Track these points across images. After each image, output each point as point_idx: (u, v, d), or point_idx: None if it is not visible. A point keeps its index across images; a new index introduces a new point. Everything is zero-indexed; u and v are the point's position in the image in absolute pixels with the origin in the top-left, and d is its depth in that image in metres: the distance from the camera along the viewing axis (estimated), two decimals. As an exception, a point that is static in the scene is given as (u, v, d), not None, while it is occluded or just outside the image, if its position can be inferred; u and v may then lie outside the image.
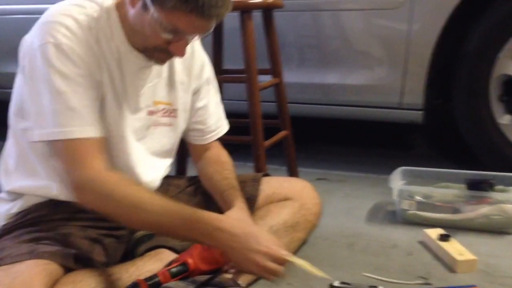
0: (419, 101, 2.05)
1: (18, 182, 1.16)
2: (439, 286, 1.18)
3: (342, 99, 2.20)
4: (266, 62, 1.89)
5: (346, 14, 2.10)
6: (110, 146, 1.13)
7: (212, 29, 1.05)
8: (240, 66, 1.75)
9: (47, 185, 1.14)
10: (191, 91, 1.30)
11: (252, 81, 1.70)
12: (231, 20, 1.84)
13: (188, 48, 1.24)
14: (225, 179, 1.29)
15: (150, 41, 1.05)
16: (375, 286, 1.22)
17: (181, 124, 1.30)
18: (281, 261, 1.03)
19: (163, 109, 1.24)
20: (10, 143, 1.18)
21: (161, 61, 1.13)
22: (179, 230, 1.02)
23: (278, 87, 1.91)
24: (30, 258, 0.97)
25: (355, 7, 2.07)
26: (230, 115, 2.09)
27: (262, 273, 1.03)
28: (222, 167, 1.33)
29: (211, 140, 1.37)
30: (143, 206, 1.00)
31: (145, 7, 1.00)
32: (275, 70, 1.90)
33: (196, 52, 1.30)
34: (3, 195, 1.20)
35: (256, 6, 1.73)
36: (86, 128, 1.02)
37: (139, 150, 1.21)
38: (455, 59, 2.05)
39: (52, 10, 1.06)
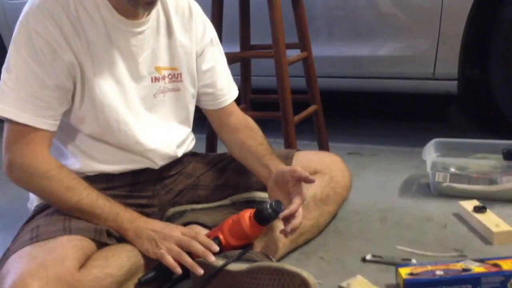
0: (453, 71, 1.99)
1: None
2: (475, 258, 1.16)
3: (374, 71, 2.15)
4: (294, 36, 1.86)
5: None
6: (113, 121, 1.13)
7: None
8: (268, 41, 1.73)
9: (72, 161, 1.17)
10: (194, 53, 1.27)
11: (280, 56, 1.68)
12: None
13: (186, 10, 1.24)
14: (260, 144, 1.28)
15: None
16: (408, 259, 1.20)
17: (189, 87, 1.27)
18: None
19: (168, 74, 1.22)
20: None
21: (148, 4, 1.08)
22: (99, 220, 1.06)
23: (306, 61, 1.88)
24: (63, 234, 1.00)
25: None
26: (259, 91, 2.10)
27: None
28: (254, 132, 1.31)
29: (226, 104, 1.33)
30: (76, 191, 1.05)
31: None
32: (303, 44, 1.87)
33: (195, 14, 1.27)
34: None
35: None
36: (38, 119, 1.04)
37: (150, 119, 1.20)
38: (491, 26, 1.97)
39: None
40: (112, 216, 1.07)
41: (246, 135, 1.30)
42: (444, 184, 1.60)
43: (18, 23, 1.06)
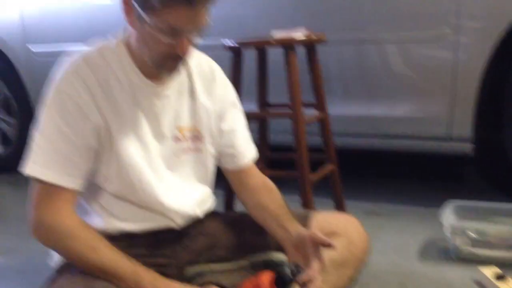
0: (468, 133, 2.00)
1: None
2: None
3: (389, 131, 2.17)
4: (309, 95, 1.89)
5: (390, 47, 2.09)
6: (136, 180, 1.14)
7: (206, 23, 1.06)
8: (284, 99, 1.76)
9: (96, 220, 1.17)
10: (215, 114, 1.29)
11: (298, 116, 1.71)
12: (274, 54, 1.88)
13: (208, 73, 1.28)
14: (278, 205, 1.27)
15: (155, 51, 1.07)
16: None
17: (210, 148, 1.29)
18: None
19: (190, 135, 1.24)
20: None
21: (173, 69, 1.12)
22: (121, 281, 1.05)
23: (323, 121, 1.90)
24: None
25: (399, 40, 2.06)
26: (275, 148, 2.12)
27: None
28: (272, 193, 1.31)
29: (244, 164, 1.34)
30: (96, 250, 1.05)
31: (140, 19, 1.04)
32: (319, 104, 1.90)
33: (217, 76, 1.30)
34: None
35: (300, 42, 1.75)
36: (64, 178, 1.06)
37: (172, 179, 1.21)
38: (504, 88, 2.00)
39: (75, 53, 1.12)
40: (134, 277, 1.06)
41: (264, 196, 1.31)
42: (464, 249, 1.58)
43: (50, 85, 1.10)
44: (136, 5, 1.04)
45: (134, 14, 1.06)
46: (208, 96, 1.27)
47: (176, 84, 1.21)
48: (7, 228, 2.21)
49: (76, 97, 1.07)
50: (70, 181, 1.07)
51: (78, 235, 1.05)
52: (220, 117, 1.31)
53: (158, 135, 1.19)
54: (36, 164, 1.06)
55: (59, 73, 1.10)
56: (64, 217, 1.06)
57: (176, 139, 1.22)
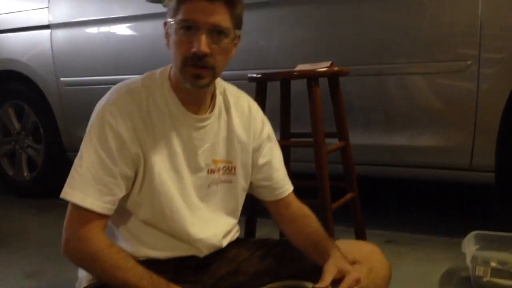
0: (490, 162, 2.00)
1: None
2: None
3: (410, 160, 2.18)
4: (331, 124, 1.92)
5: (412, 78, 2.12)
6: (167, 209, 1.18)
7: (227, 24, 1.10)
8: (306, 128, 1.79)
9: (124, 245, 1.21)
10: (251, 149, 1.33)
11: (320, 146, 1.74)
12: (297, 84, 1.92)
13: (246, 109, 1.32)
14: (316, 231, 1.30)
15: (178, 55, 1.12)
16: None
17: (241, 181, 1.32)
18: None
19: (223, 167, 1.28)
20: None
21: (194, 78, 1.12)
22: None
23: (344, 150, 1.93)
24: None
25: (421, 71, 2.09)
26: (296, 176, 2.14)
27: None
28: (309, 220, 1.34)
29: (282, 196, 1.37)
30: (123, 270, 1.08)
31: (169, 28, 1.12)
32: (341, 134, 1.93)
33: (254, 112, 1.35)
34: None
35: (323, 74, 1.80)
36: (98, 203, 1.11)
37: (201, 209, 1.25)
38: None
39: (118, 84, 1.18)
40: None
41: (302, 223, 1.33)
42: (485, 279, 1.57)
43: (94, 114, 1.15)
44: (168, 18, 1.11)
45: (169, 34, 1.13)
46: (245, 131, 1.31)
47: (214, 118, 1.25)
48: (31, 252, 2.26)
49: (117, 127, 1.12)
50: (104, 208, 1.12)
51: (104, 255, 1.09)
52: (257, 152, 1.34)
53: (193, 166, 1.23)
54: (74, 189, 1.11)
55: (103, 103, 1.16)
56: (93, 238, 1.11)
57: (210, 171, 1.26)
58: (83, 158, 1.12)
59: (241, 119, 1.31)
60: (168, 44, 1.16)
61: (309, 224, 1.32)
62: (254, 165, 1.34)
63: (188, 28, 1.09)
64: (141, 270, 1.11)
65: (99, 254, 1.09)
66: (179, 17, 1.09)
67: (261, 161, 1.35)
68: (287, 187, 1.39)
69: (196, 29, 1.09)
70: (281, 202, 1.37)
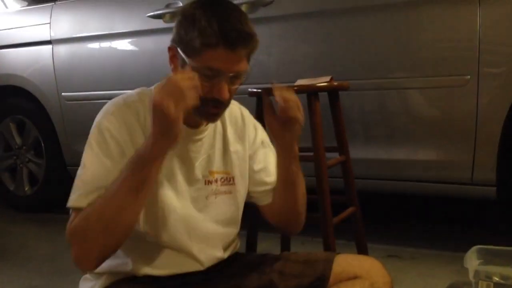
0: (491, 177, 2.00)
1: None
2: None
3: (410, 174, 2.18)
4: (331, 138, 1.92)
5: (412, 92, 2.13)
6: (166, 220, 1.18)
7: (246, 69, 1.11)
8: (306, 143, 1.79)
9: (124, 262, 1.21)
10: (247, 157, 1.34)
11: (320, 160, 1.74)
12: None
13: (239, 118, 1.33)
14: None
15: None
16: None
17: (241, 190, 1.33)
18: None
19: (221, 178, 1.29)
20: None
21: (212, 116, 1.17)
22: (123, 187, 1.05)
23: (345, 165, 1.93)
24: None
25: (420, 86, 2.10)
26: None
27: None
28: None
29: None
30: (106, 195, 1.06)
31: (183, 63, 1.11)
32: (341, 148, 1.93)
33: (247, 120, 1.36)
34: (87, 275, 1.28)
35: (323, 89, 1.80)
36: None
37: (201, 220, 1.25)
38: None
39: (115, 98, 1.19)
40: (131, 165, 1.06)
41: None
42: (488, 294, 1.56)
43: (93, 126, 1.16)
44: (179, 50, 1.11)
45: (178, 59, 1.13)
46: (239, 141, 1.33)
47: (210, 130, 1.27)
48: (32, 266, 2.26)
49: (116, 135, 1.13)
50: None
51: (89, 208, 1.08)
52: (252, 158, 1.35)
53: (190, 178, 1.23)
54: (79, 196, 1.10)
55: (101, 114, 1.17)
56: None
57: (208, 182, 1.26)
58: (86, 166, 1.13)
59: (235, 129, 1.32)
60: (174, 70, 1.16)
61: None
62: (250, 171, 1.35)
63: (210, 75, 1.10)
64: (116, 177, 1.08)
65: (84, 213, 1.07)
66: (202, 63, 1.09)
67: (256, 167, 1.36)
68: None
69: (217, 76, 1.10)
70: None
